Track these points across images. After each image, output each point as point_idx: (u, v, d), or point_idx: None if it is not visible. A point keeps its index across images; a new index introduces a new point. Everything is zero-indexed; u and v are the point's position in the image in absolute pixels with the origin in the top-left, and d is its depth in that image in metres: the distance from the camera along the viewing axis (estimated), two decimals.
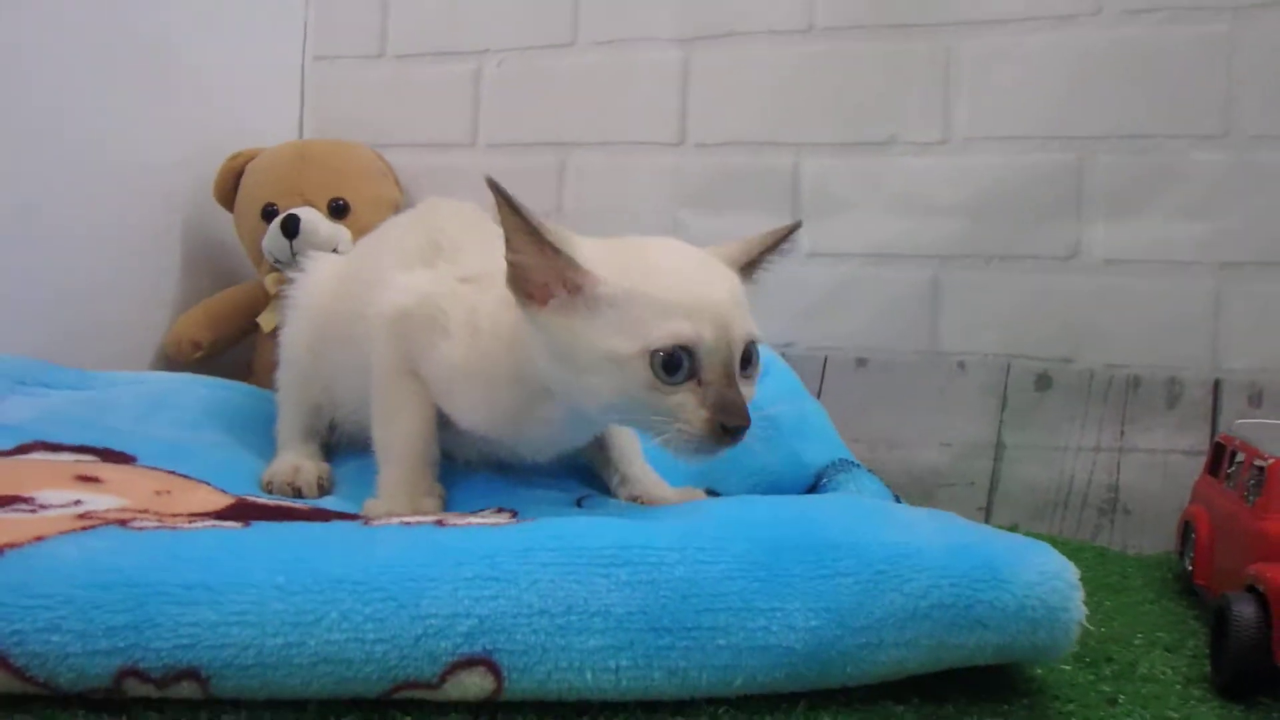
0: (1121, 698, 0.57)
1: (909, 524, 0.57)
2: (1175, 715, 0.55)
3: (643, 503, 0.80)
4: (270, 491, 0.79)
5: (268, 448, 0.90)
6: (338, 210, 1.10)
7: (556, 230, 0.63)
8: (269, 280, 1.09)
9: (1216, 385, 0.93)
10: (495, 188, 0.61)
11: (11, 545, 0.51)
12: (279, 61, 1.30)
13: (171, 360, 1.11)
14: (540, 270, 0.63)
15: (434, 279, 0.77)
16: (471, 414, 0.72)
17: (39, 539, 0.52)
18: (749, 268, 0.70)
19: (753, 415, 0.60)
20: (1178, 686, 0.59)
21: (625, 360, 0.60)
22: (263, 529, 0.57)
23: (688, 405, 0.61)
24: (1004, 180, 0.98)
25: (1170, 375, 0.94)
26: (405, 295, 0.77)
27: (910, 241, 1.02)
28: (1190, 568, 0.77)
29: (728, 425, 0.60)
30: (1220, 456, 0.80)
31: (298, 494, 0.79)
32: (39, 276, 0.96)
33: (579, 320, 0.62)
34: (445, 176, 1.24)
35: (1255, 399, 0.91)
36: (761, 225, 1.06)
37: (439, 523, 0.59)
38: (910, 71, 1.01)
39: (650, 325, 0.61)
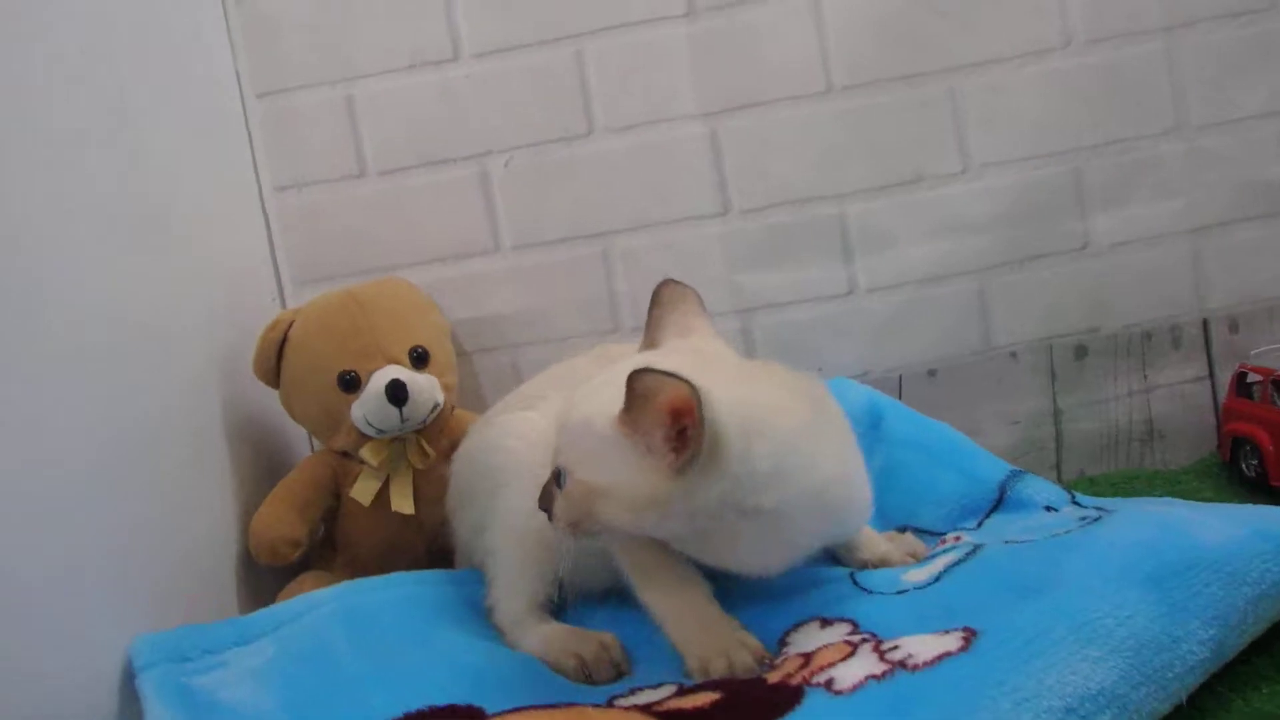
0: None
1: (1206, 524, 0.77)
2: None
3: (872, 566, 0.94)
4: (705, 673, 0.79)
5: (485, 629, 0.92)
6: (419, 360, 1.10)
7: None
8: (366, 451, 1.08)
9: (1205, 323, 1.25)
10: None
11: None
12: (238, 199, 1.25)
13: (266, 566, 1.07)
14: None
15: None
16: (727, 557, 0.81)
17: None
18: None
19: None
20: None
21: None
22: None
23: None
24: (1019, 193, 1.23)
25: (1172, 324, 1.25)
26: None
27: (953, 261, 1.24)
28: (1254, 474, 1.08)
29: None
30: (1243, 382, 1.12)
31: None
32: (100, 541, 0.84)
33: None
34: (469, 287, 1.29)
35: (1234, 328, 1.25)
36: (818, 273, 1.26)
37: (901, 664, 0.69)
38: (925, 113, 1.22)
39: None
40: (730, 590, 0.86)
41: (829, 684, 0.70)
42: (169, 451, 0.98)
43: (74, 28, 0.94)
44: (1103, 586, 0.71)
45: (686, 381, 0.70)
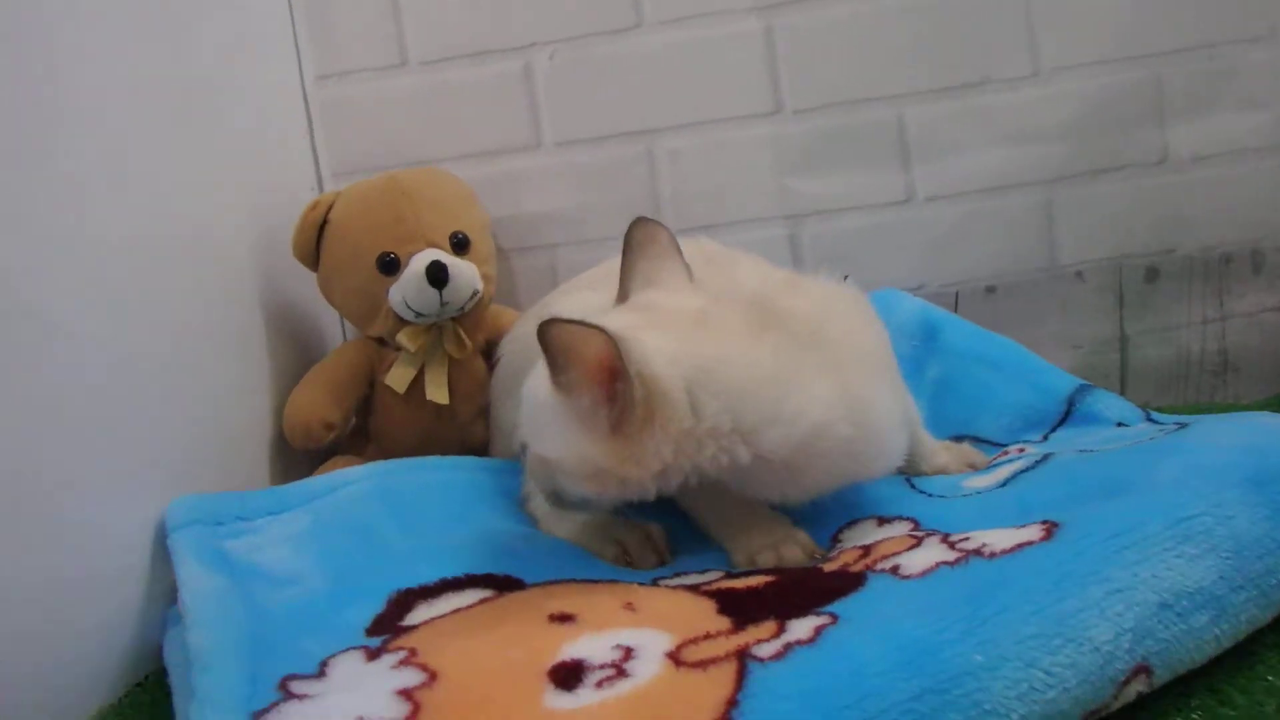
0: None
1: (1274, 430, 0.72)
2: None
3: (927, 473, 0.88)
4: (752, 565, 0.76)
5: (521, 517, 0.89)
6: (459, 245, 1.07)
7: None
8: (404, 336, 1.05)
9: None
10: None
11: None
12: (280, 87, 1.21)
13: (299, 449, 1.06)
14: None
15: None
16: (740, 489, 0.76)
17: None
18: None
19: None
20: None
21: None
22: (857, 607, 0.61)
23: None
24: (1093, 100, 1.16)
25: (1254, 247, 1.18)
26: None
27: (1019, 170, 1.18)
28: None
29: None
30: None
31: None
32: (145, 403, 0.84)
33: None
34: (509, 184, 1.25)
35: None
36: (873, 179, 1.20)
37: (976, 552, 0.63)
38: (994, 10, 1.15)
39: None
40: None
41: (895, 570, 0.65)
42: (207, 333, 0.97)
43: None
44: (1200, 485, 0.65)
45: (598, 328, 0.64)
